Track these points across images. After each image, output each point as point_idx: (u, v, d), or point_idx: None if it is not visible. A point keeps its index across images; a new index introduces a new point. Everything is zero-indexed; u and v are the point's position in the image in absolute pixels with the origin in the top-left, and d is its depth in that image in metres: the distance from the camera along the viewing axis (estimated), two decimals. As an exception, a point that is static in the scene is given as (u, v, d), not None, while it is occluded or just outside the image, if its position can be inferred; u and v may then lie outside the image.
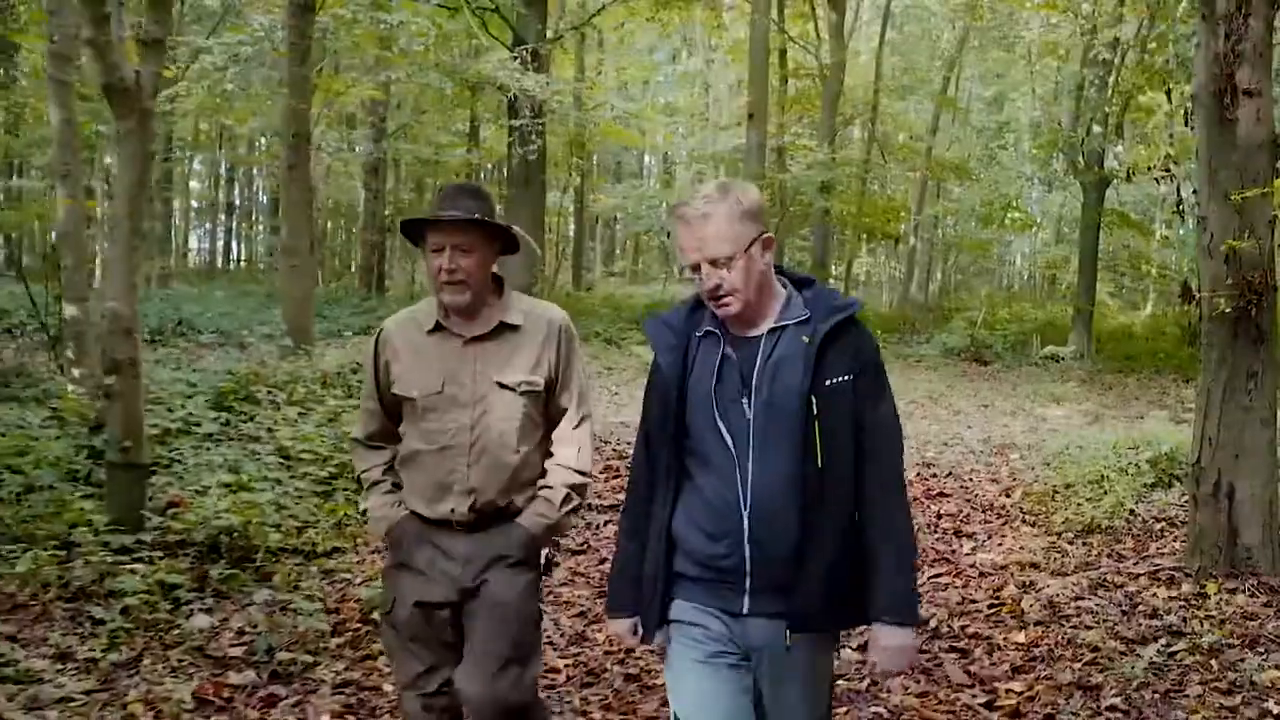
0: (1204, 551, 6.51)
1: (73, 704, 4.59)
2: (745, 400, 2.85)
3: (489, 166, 35.02)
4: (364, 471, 3.67)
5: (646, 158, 50.11)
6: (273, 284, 27.44)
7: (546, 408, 3.57)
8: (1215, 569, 6.40)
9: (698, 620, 2.93)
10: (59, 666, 4.95)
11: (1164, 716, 4.70)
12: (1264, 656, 5.22)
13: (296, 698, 4.89)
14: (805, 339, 2.86)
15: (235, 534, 6.45)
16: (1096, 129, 22.52)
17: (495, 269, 3.56)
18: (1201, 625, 5.65)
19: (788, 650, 2.85)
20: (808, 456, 2.80)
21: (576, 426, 3.59)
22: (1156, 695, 4.91)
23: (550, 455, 3.58)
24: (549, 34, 21.09)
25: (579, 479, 3.57)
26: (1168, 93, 12.28)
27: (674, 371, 2.94)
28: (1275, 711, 4.66)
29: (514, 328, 3.50)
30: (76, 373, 9.92)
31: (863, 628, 3.04)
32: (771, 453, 2.82)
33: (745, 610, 2.87)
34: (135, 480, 6.54)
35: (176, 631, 5.44)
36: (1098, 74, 22.34)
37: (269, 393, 10.21)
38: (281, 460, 8.21)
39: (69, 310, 10.03)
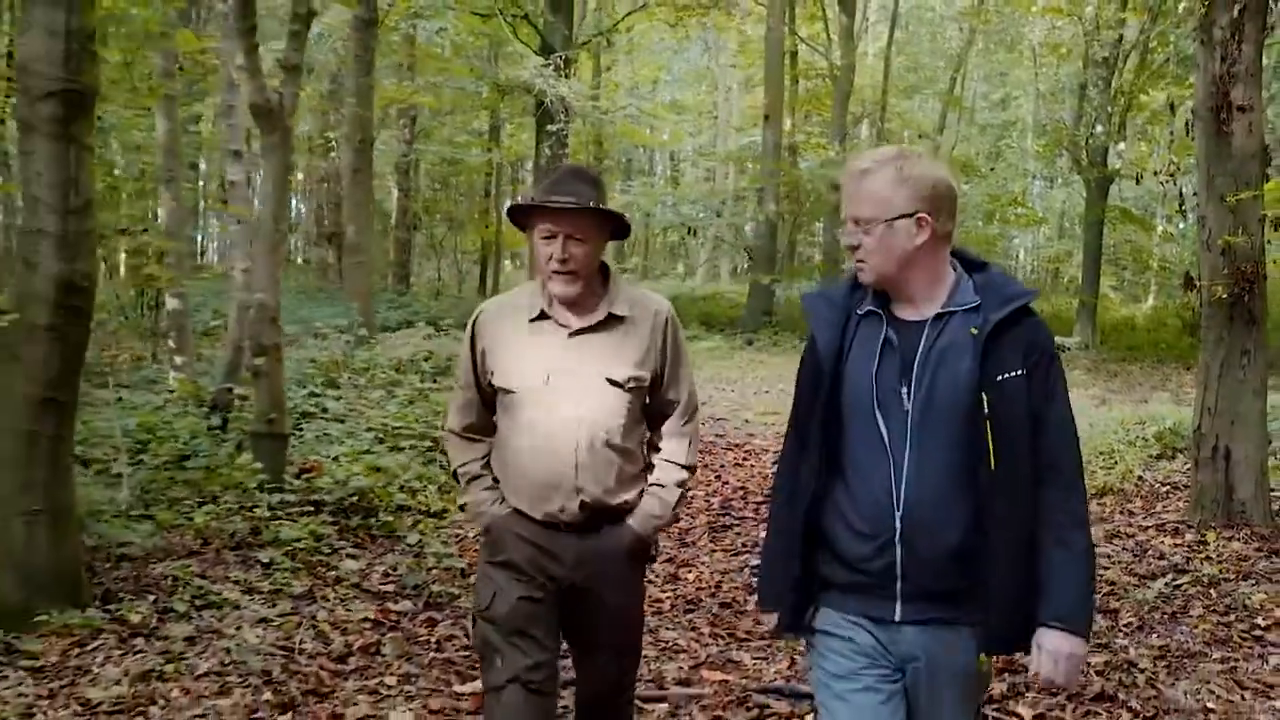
0: (1204, 506, 7.49)
1: (272, 624, 5.57)
2: (905, 390, 2.66)
3: (508, 165, 36.01)
4: (462, 465, 3.48)
5: (654, 155, 50.93)
6: (299, 280, 28.39)
7: (651, 401, 3.43)
8: (1214, 521, 7.37)
9: (845, 633, 2.75)
10: (248, 596, 5.92)
11: (1171, 631, 5.68)
12: (1255, 585, 6.21)
13: (451, 620, 5.88)
14: (974, 330, 2.64)
15: (364, 494, 7.44)
16: (1099, 128, 23.47)
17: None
18: (1202, 564, 6.63)
19: (979, 672, 2.74)
20: (980, 457, 2.60)
21: (686, 421, 3.46)
22: (1166, 616, 5.90)
23: (656, 449, 3.46)
24: (573, 40, 22.07)
25: (686, 474, 3.45)
26: (1171, 106, 13.27)
27: (830, 350, 2.76)
28: (1262, 624, 5.66)
29: (621, 319, 3.32)
30: (179, 360, 10.91)
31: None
32: (932, 449, 2.64)
33: (898, 618, 2.68)
34: (278, 448, 7.53)
35: (335, 572, 6.43)
36: (1100, 74, 23.30)
37: (350, 378, 11.22)
38: (379, 436, 9.19)
39: (171, 303, 11.04)
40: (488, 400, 3.42)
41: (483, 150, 30.64)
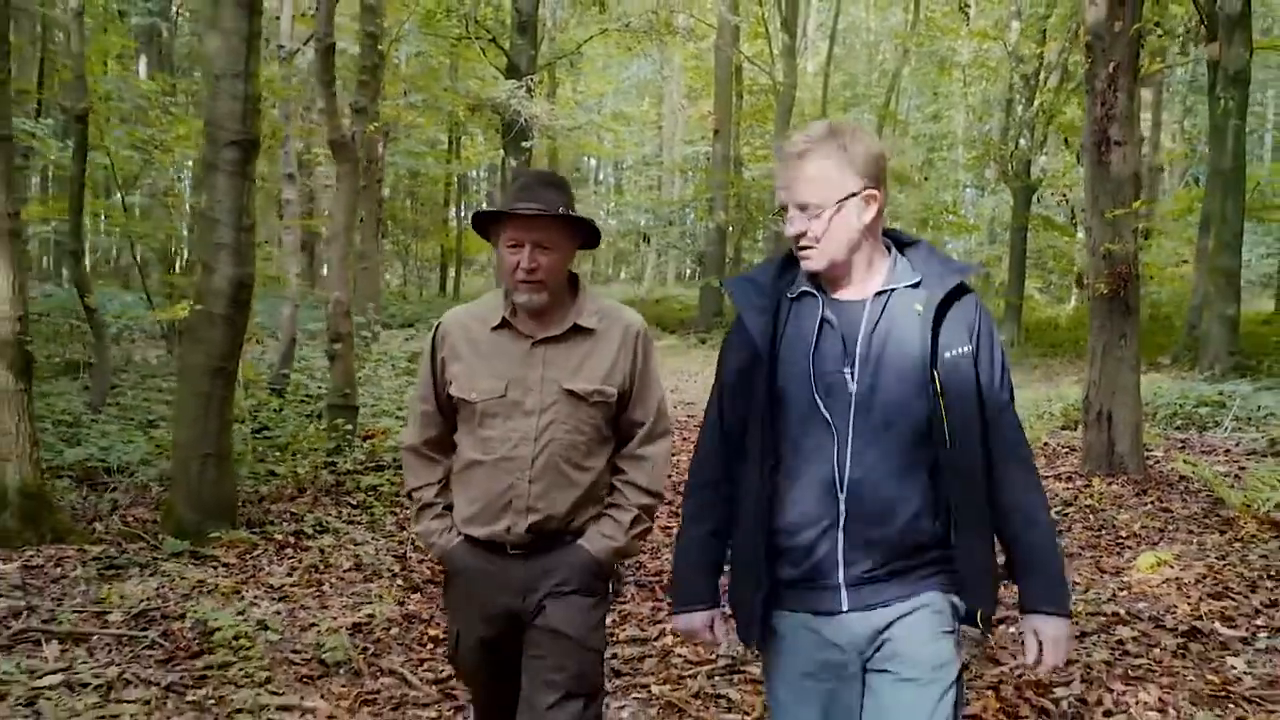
0: (1092, 459, 9.40)
1: (378, 543, 7.31)
2: (848, 371, 2.54)
3: (466, 174, 37.75)
4: (416, 489, 3.29)
5: (598, 165, 52.48)
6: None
7: (617, 421, 3.24)
8: (1099, 471, 9.27)
9: (795, 635, 2.65)
10: (352, 525, 7.65)
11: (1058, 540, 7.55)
12: (1122, 511, 8.12)
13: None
14: (918, 306, 2.56)
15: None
16: (1023, 141, 25.49)
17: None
18: (1086, 499, 8.53)
19: (978, 633, 2.65)
20: (935, 436, 2.52)
21: (650, 443, 3.26)
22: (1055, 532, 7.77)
23: (619, 472, 3.25)
24: (537, 62, 23.76)
25: (650, 500, 3.23)
26: (1065, 140, 15.30)
27: (764, 336, 2.62)
28: (1124, 535, 7.56)
29: (588, 331, 3.17)
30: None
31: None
32: (879, 429, 2.53)
33: (844, 607, 2.57)
34: (350, 416, 9.26)
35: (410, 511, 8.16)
36: (1023, 93, 25.33)
37: (371, 368, 12.96)
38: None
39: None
40: (447, 414, 3.25)
41: (440, 161, 32.33)
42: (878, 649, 2.58)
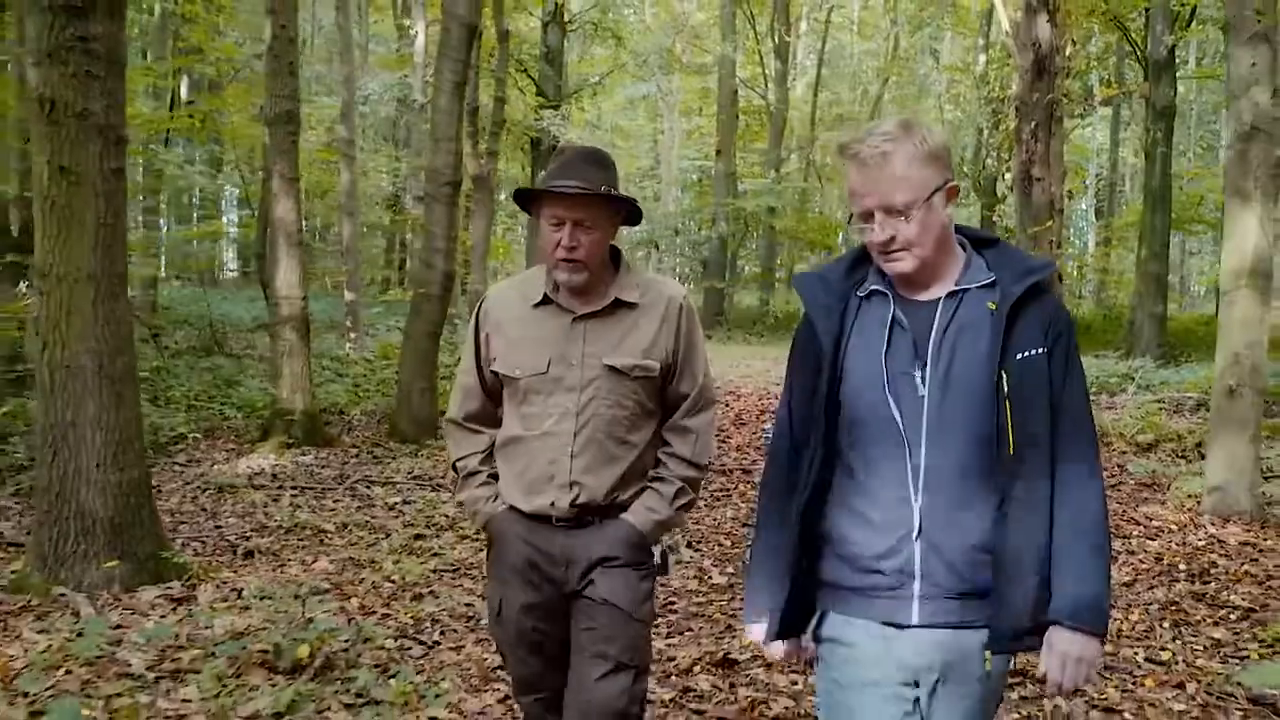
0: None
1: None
2: (919, 374, 2.39)
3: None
4: (459, 459, 3.23)
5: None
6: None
7: (662, 394, 3.16)
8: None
9: (854, 639, 2.47)
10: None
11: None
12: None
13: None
14: (991, 305, 2.39)
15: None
16: (989, 162, 28.73)
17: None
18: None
19: (987, 673, 2.40)
20: (998, 441, 2.33)
21: (695, 414, 3.19)
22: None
23: (664, 444, 3.18)
24: (562, 90, 27.07)
25: (693, 472, 3.17)
26: (1003, 174, 18.68)
27: (830, 335, 2.48)
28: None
29: (630, 305, 3.10)
30: (353, 335, 16.04)
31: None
32: (950, 436, 2.36)
33: (915, 620, 2.39)
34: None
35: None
36: (990, 120, 28.60)
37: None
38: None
39: (349, 295, 16.17)
40: (490, 389, 3.22)
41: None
42: (933, 680, 2.41)
